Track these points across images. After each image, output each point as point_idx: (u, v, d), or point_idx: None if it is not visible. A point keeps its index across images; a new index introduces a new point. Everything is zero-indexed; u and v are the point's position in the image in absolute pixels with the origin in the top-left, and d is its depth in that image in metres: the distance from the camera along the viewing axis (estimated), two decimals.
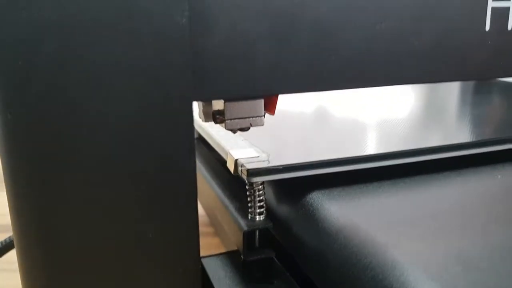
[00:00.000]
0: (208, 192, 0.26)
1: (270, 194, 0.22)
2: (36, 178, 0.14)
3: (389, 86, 0.17)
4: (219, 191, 0.24)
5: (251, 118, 0.18)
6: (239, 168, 0.20)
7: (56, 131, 0.13)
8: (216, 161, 0.29)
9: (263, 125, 0.18)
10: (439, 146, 0.22)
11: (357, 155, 0.21)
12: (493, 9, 0.17)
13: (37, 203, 0.14)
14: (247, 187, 0.20)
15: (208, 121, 0.19)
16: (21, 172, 0.14)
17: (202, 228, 0.31)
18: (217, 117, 0.18)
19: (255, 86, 0.15)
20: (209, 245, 0.30)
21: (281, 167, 0.20)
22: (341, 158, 0.21)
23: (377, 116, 0.31)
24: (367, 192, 0.20)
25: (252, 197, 0.20)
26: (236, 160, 0.20)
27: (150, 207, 0.15)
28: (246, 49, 0.15)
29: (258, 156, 0.21)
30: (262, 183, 0.20)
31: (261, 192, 0.20)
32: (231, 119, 0.17)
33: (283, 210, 0.21)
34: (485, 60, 0.17)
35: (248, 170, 0.20)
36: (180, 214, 0.15)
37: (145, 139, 0.14)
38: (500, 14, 0.17)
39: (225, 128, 0.18)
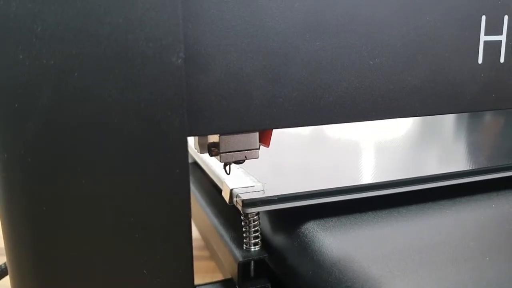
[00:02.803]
0: (203, 218, 0.26)
1: (265, 223, 0.22)
2: (31, 214, 0.14)
3: (382, 120, 0.17)
4: (214, 219, 0.24)
5: (246, 151, 0.18)
6: (234, 199, 0.20)
7: (51, 170, 0.13)
8: (210, 186, 0.29)
9: (258, 157, 0.18)
10: (435, 175, 0.22)
11: (353, 184, 0.21)
12: (485, 42, 0.17)
13: (32, 237, 0.14)
14: (242, 217, 0.20)
15: (204, 153, 0.19)
16: (17, 210, 0.14)
17: (198, 252, 0.31)
18: (212, 149, 0.18)
19: (249, 122, 0.16)
20: (205, 269, 0.30)
21: (276, 198, 0.20)
22: (337, 188, 0.21)
23: (373, 142, 0.31)
24: (362, 222, 0.20)
25: (247, 227, 0.20)
26: (231, 190, 0.21)
27: (144, 243, 0.15)
28: (241, 86, 0.15)
29: (254, 186, 0.21)
30: (258, 213, 0.20)
31: (256, 222, 0.20)
32: (226, 152, 0.18)
33: (278, 240, 0.21)
34: (478, 93, 0.18)
35: (243, 201, 0.20)
36: (174, 248, 0.15)
37: (140, 175, 0.14)
38: (492, 47, 0.17)
39: (220, 161, 0.18)
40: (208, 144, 0.18)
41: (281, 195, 0.20)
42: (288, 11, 0.15)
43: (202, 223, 0.27)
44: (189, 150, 0.32)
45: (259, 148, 0.18)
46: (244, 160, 0.18)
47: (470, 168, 0.24)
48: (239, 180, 0.21)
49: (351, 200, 0.21)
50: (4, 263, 0.24)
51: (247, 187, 0.21)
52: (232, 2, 0.14)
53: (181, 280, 0.15)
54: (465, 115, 0.38)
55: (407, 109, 0.17)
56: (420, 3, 0.16)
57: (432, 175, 0.22)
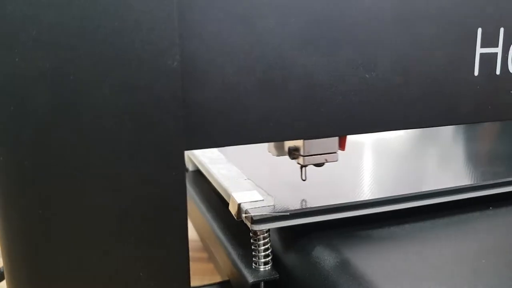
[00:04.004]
0: (208, 232, 0.25)
1: (275, 239, 0.21)
2: (27, 217, 0.13)
3: (380, 132, 0.17)
4: (220, 234, 0.23)
5: (326, 154, 0.19)
6: (243, 214, 0.19)
7: (47, 173, 0.13)
8: (215, 196, 0.28)
9: (337, 161, 0.19)
10: (449, 188, 0.21)
11: (372, 198, 0.20)
12: (481, 54, 0.17)
13: (28, 240, 0.14)
14: (251, 234, 0.19)
15: (280, 156, 0.20)
16: (13, 213, 0.13)
17: (196, 254, 0.30)
18: (293, 152, 0.19)
19: (247, 135, 0.15)
20: (203, 271, 0.29)
21: (289, 213, 0.19)
22: (354, 202, 0.20)
23: (387, 151, 0.29)
24: (381, 239, 0.19)
25: (257, 245, 0.19)
26: (239, 205, 0.19)
27: (140, 247, 0.14)
28: (237, 100, 0.15)
29: (263, 200, 0.20)
30: (268, 230, 0.19)
31: (266, 240, 0.19)
32: (308, 156, 0.19)
33: (290, 258, 0.20)
34: (475, 105, 0.17)
35: (252, 217, 0.18)
36: (170, 252, 0.15)
37: (136, 178, 0.14)
38: (488, 59, 0.17)
39: (303, 163, 0.19)
40: (289, 147, 0.19)
41: (293, 210, 0.19)
42: (285, 26, 0.15)
43: (207, 236, 0.26)
44: (193, 158, 0.32)
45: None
46: (323, 163, 0.19)
47: (478, 183, 0.22)
48: (247, 194, 0.20)
49: (369, 215, 0.20)
50: (2, 267, 0.23)
51: (256, 201, 0.20)
52: (229, 18, 0.14)
53: (177, 283, 0.15)
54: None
55: (404, 121, 0.17)
56: (415, 16, 0.16)
57: (447, 188, 0.21)
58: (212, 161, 0.26)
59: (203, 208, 0.27)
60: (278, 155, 0.19)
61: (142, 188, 0.14)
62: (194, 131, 0.15)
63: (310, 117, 0.16)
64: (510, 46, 0.17)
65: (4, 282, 0.16)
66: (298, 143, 0.18)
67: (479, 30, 0.17)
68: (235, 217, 0.20)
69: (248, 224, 0.19)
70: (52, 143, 0.13)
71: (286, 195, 0.21)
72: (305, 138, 0.16)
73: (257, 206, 0.19)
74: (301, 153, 0.19)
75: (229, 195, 0.20)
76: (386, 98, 0.16)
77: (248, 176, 0.23)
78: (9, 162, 0.13)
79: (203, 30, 0.14)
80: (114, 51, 0.13)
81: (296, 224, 0.19)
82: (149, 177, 0.14)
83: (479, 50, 0.17)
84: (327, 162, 0.19)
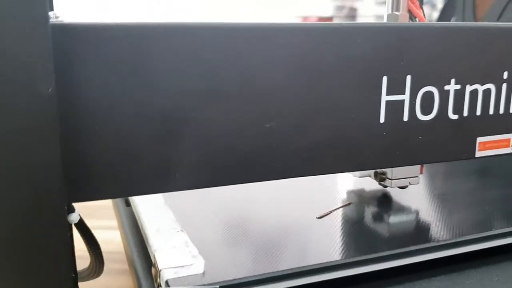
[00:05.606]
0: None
1: None
2: None
3: (282, 179, 0.16)
4: None
5: (410, 178, 0.21)
6: (161, 286, 0.15)
7: None
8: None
9: (418, 183, 0.21)
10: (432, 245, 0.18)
11: (330, 261, 0.17)
12: (387, 102, 0.17)
13: None
14: None
15: (363, 177, 0.22)
16: None
17: (119, 266, 0.27)
18: (379, 175, 0.22)
19: (138, 187, 0.15)
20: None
21: (218, 286, 0.15)
22: (310, 266, 0.16)
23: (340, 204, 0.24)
24: None
25: None
26: (160, 272, 0.15)
27: None
28: (129, 151, 0.14)
29: (192, 264, 0.16)
30: None
31: None
32: (395, 179, 0.21)
33: None
34: (382, 150, 0.18)
35: None
36: None
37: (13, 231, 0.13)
38: (395, 106, 0.17)
39: (390, 186, 0.21)
40: (375, 171, 0.22)
41: (225, 281, 0.15)
42: (183, 80, 0.14)
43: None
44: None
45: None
46: (407, 186, 0.22)
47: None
48: (174, 255, 0.16)
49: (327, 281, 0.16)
50: None
51: (183, 266, 0.15)
52: (121, 68, 0.14)
53: None
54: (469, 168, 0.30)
55: (309, 168, 0.17)
56: (317, 67, 0.16)
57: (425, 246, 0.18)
58: (145, 201, 0.21)
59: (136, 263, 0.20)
60: (360, 177, 0.22)
61: (19, 233, 0.13)
62: (83, 183, 0.14)
63: (211, 165, 0.15)
64: (417, 93, 0.17)
65: None
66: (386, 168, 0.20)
67: (384, 78, 0.17)
68: (155, 285, 0.15)
69: None
70: None
71: (227, 253, 0.17)
72: (203, 187, 0.15)
73: (181, 275, 0.15)
74: (389, 176, 0.21)
75: (152, 254, 0.16)
76: (289, 146, 0.16)
77: (185, 224, 0.18)
78: None
79: (96, 82, 0.13)
80: None
81: None
82: (24, 219, 0.13)
83: (384, 98, 0.17)
84: (410, 185, 0.21)
